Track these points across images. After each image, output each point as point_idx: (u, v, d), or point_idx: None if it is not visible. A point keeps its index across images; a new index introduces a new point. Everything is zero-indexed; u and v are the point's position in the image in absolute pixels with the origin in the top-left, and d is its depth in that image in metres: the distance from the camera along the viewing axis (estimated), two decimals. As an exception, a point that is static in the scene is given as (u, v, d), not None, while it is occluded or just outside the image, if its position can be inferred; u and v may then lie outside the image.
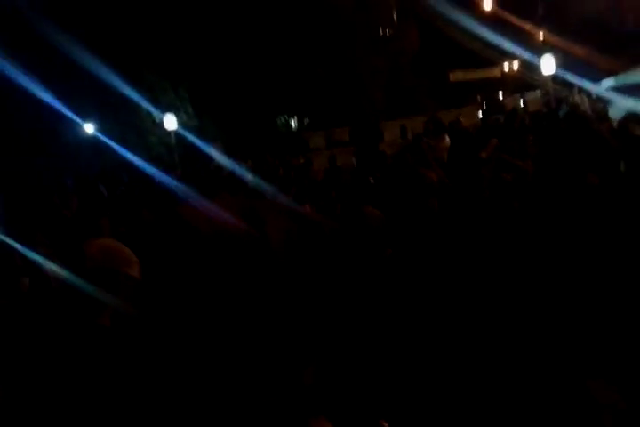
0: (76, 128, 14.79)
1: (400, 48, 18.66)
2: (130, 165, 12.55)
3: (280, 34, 16.43)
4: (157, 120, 14.93)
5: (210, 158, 13.34)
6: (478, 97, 18.11)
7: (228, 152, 12.20)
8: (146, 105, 14.56)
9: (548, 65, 11.41)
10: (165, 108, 14.91)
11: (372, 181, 6.66)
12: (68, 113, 14.25)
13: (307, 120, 18.95)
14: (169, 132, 14.88)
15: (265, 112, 17.74)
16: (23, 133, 14.18)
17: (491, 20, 15.99)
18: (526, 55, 14.70)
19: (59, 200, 10.08)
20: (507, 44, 15.90)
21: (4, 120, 13.82)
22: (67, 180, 12.48)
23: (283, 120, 19.79)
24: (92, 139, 14.66)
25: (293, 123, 19.84)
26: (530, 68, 15.49)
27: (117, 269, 1.90)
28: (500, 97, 17.89)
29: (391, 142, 9.75)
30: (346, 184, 7.21)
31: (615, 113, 7.58)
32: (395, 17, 19.41)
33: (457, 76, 19.65)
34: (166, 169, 11.53)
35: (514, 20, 16.16)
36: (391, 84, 17.88)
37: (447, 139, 7.88)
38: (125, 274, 1.90)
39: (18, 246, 5.35)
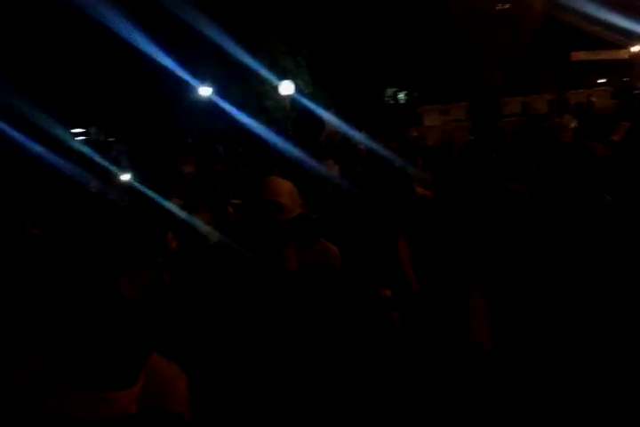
0: (197, 91, 15.39)
1: (521, 24, 17.93)
2: (247, 127, 13.03)
3: (397, 6, 16.25)
4: (275, 85, 15.27)
5: (322, 125, 13.60)
6: (604, 79, 17.16)
7: (342, 120, 12.36)
8: (265, 70, 14.87)
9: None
10: (283, 74, 15.22)
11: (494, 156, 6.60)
12: (189, 77, 14.86)
13: (416, 93, 18.77)
14: (284, 98, 15.18)
15: (375, 84, 17.71)
16: (151, 96, 15.02)
17: (617, 1, 15.05)
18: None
19: (180, 157, 10.73)
20: (635, 26, 14.94)
21: (134, 84, 14.72)
22: (187, 139, 13.22)
23: (391, 93, 19.70)
24: (212, 101, 15.21)
25: (402, 95, 19.71)
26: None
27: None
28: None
29: (510, 119, 9.53)
30: (462, 160, 7.17)
31: None
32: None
33: (579, 55, 18.66)
34: (283, 133, 11.92)
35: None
36: (511, 61, 17.32)
37: (572, 119, 7.64)
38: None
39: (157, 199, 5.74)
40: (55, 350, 0.99)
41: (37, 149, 10.21)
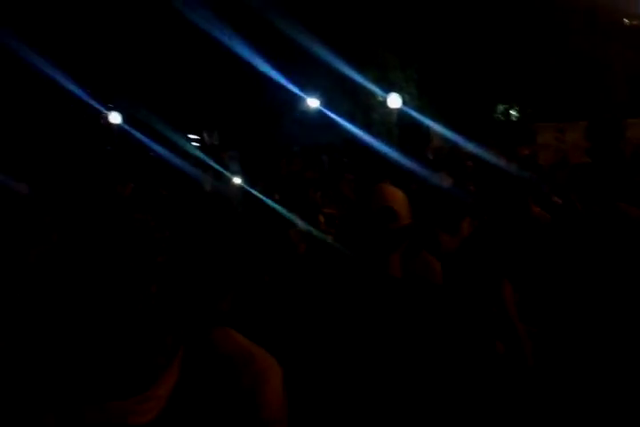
0: (306, 103, 15.83)
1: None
2: (353, 138, 13.19)
3: (512, 17, 15.82)
4: (382, 98, 15.35)
5: (429, 139, 13.48)
6: None
7: (449, 135, 12.19)
8: (374, 83, 15.03)
9: None
10: (390, 88, 15.27)
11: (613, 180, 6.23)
12: (298, 90, 15.33)
13: (529, 110, 18.15)
14: (391, 111, 15.22)
15: (485, 99, 17.31)
16: (262, 106, 15.67)
17: None
18: None
19: (286, 163, 11.01)
20: None
21: (248, 95, 15.45)
22: (294, 146, 13.60)
23: (502, 109, 19.19)
24: (320, 113, 15.56)
25: (514, 112, 19.13)
26: None
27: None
28: None
29: (633, 141, 8.97)
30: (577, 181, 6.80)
31: None
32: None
33: None
34: (389, 146, 11.94)
35: None
36: (637, 79, 16.31)
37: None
38: None
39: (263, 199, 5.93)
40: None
41: (159, 151, 10.89)
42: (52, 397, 1.01)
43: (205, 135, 15.81)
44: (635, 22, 17.63)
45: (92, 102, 15.12)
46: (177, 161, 9.18)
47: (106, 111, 15.50)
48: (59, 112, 14.49)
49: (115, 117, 14.99)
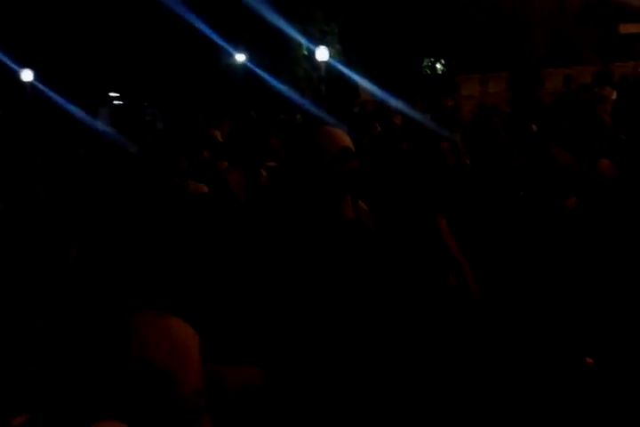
0: (230, 58, 15.32)
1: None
2: (278, 93, 12.96)
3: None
4: (306, 52, 15.06)
5: (356, 94, 13.42)
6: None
7: (376, 90, 12.18)
8: (297, 36, 14.65)
9: None
10: (314, 42, 14.98)
11: (534, 128, 6.43)
12: (223, 43, 14.76)
13: (453, 63, 18.32)
14: (316, 66, 14.97)
15: (411, 54, 17.33)
16: (184, 60, 15.04)
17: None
18: None
19: (212, 122, 10.75)
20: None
21: (168, 48, 14.75)
22: (222, 103, 13.26)
23: (428, 62, 19.30)
24: (244, 67, 15.13)
25: (439, 66, 19.29)
26: None
27: None
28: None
29: (551, 92, 9.25)
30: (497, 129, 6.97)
31: None
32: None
33: (629, 28, 17.91)
34: (312, 101, 11.83)
35: None
36: (556, 31, 16.70)
37: (613, 91, 7.43)
38: None
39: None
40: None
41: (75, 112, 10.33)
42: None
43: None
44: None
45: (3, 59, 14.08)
46: (93, 121, 8.75)
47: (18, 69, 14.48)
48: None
49: (26, 75, 14.07)
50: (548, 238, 2.55)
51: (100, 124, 8.69)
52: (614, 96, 6.99)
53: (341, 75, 13.98)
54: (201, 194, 3.79)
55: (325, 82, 14.26)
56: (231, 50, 15.20)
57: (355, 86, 13.43)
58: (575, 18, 17.19)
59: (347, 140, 1.88)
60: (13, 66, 14.34)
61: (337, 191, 1.86)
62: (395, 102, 9.45)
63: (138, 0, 13.83)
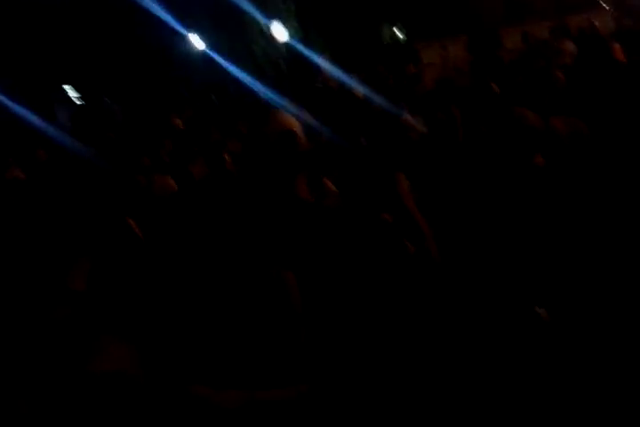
0: (188, 41, 14.95)
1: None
2: (237, 76, 12.73)
3: None
4: (264, 30, 14.78)
5: (318, 71, 13.23)
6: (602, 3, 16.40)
7: (337, 65, 12.01)
8: (252, 13, 14.32)
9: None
10: (270, 20, 14.70)
11: (496, 89, 6.39)
12: (179, 26, 14.38)
13: (410, 30, 18.17)
14: (273, 44, 14.73)
15: (369, 22, 17.12)
16: (139, 46, 14.63)
17: None
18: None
19: (174, 110, 10.56)
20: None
21: (125, 36, 14.30)
22: (182, 90, 12.99)
23: (387, 30, 19.13)
24: (203, 51, 14.82)
25: (399, 32, 19.12)
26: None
27: None
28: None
29: (512, 50, 9.22)
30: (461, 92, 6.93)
31: None
32: None
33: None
34: (272, 81, 11.65)
35: None
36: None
37: (571, 44, 7.40)
38: None
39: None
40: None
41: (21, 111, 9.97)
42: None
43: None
44: None
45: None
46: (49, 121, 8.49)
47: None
48: None
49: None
50: (522, 197, 2.58)
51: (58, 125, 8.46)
52: (573, 49, 6.98)
53: (302, 53, 13.77)
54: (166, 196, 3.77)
55: (286, 60, 14.06)
56: (188, 35, 14.84)
57: (314, 64, 13.27)
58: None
59: (290, 124, 1.99)
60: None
61: (285, 172, 1.89)
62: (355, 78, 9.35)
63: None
